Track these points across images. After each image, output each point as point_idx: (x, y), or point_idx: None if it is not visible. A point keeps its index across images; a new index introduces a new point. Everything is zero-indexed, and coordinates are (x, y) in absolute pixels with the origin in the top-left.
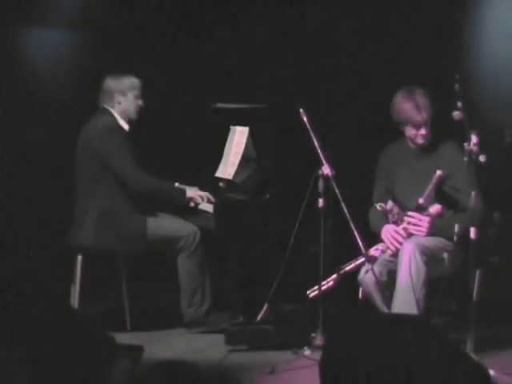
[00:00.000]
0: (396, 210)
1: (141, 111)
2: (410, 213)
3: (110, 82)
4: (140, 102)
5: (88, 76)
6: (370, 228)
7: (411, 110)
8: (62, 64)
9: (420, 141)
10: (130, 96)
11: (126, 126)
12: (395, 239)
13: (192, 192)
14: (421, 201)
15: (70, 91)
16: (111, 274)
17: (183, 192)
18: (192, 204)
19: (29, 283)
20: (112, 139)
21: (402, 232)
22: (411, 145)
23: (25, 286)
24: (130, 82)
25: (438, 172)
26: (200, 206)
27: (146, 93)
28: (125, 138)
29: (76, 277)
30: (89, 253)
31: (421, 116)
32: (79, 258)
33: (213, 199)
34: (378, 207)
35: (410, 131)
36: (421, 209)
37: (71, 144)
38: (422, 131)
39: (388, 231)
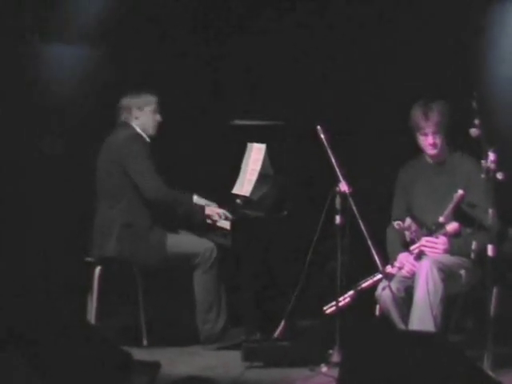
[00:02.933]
0: (414, 227)
1: (159, 128)
2: (425, 238)
3: (127, 99)
4: (158, 118)
5: (105, 90)
6: (387, 250)
7: (418, 116)
8: (79, 78)
9: (430, 151)
10: (147, 110)
11: (147, 138)
12: (412, 269)
13: (210, 209)
14: (442, 219)
15: (86, 105)
16: (128, 290)
17: (202, 209)
18: (209, 221)
19: (45, 298)
20: (134, 146)
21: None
22: (429, 160)
23: (41, 302)
24: (146, 97)
25: (460, 192)
26: (217, 223)
27: (163, 109)
28: (147, 147)
29: (93, 289)
30: (110, 265)
31: (426, 124)
32: (97, 269)
33: (230, 217)
34: (395, 225)
35: (420, 140)
36: (440, 227)
37: (87, 157)
38: (430, 140)
39: (407, 261)
